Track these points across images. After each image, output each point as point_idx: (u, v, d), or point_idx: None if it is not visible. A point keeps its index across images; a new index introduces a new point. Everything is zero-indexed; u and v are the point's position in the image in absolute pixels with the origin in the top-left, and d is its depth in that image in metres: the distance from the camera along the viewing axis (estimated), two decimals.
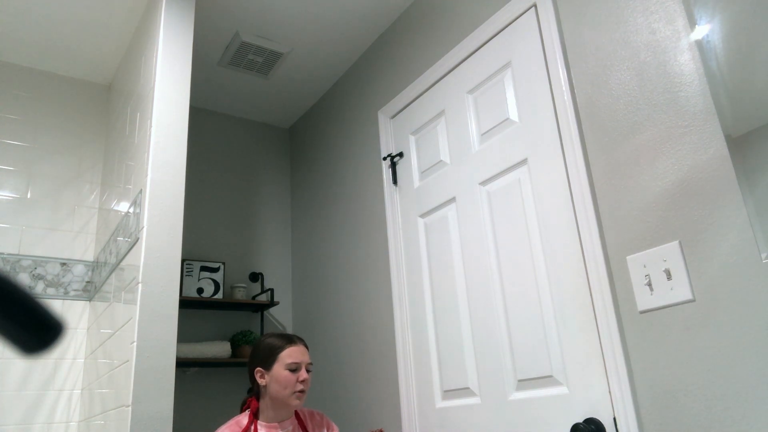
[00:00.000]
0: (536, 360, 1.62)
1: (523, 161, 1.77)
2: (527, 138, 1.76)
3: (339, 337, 2.61)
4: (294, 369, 1.70)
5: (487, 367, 1.78)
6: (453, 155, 2.06)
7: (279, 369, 1.70)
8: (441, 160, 2.11)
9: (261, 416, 1.72)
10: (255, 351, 1.80)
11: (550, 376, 1.58)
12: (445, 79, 2.16)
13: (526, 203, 1.74)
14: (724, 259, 1.24)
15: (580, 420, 1.46)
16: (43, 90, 2.72)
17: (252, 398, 1.76)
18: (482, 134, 1.95)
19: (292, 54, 2.75)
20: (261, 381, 1.72)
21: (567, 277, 1.57)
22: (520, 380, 1.67)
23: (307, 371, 1.73)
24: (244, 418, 1.70)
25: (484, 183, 1.91)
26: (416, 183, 2.23)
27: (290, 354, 1.71)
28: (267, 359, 1.73)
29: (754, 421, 1.14)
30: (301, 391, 1.69)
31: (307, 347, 1.79)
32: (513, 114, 1.83)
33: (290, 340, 1.76)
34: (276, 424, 1.71)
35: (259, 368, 1.73)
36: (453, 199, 2.03)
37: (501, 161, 1.85)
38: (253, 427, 1.69)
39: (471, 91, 2.02)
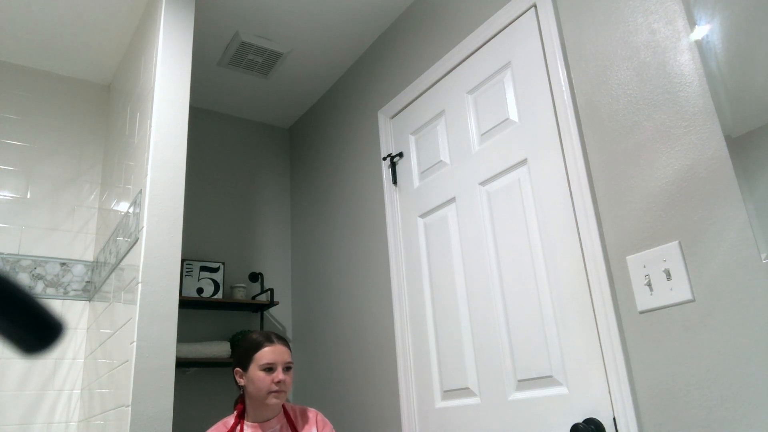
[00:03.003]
0: (536, 360, 1.62)
1: (523, 161, 1.77)
2: (527, 138, 1.76)
3: (339, 337, 2.60)
4: (268, 369, 1.67)
5: (486, 367, 1.78)
6: (453, 155, 2.06)
7: (254, 370, 1.68)
8: (441, 160, 2.11)
9: (247, 417, 1.71)
10: (235, 351, 1.79)
11: (550, 376, 1.58)
12: (445, 79, 2.16)
13: (525, 203, 1.74)
14: (723, 259, 1.24)
15: (580, 420, 1.46)
16: (43, 90, 2.72)
17: (241, 398, 1.76)
18: (482, 134, 1.95)
19: (292, 54, 2.75)
20: (240, 381, 1.72)
21: (567, 277, 1.57)
22: (520, 380, 1.67)
23: (287, 370, 1.70)
24: (231, 419, 1.70)
25: (484, 183, 1.91)
26: (416, 183, 2.23)
27: (265, 354, 1.69)
28: (244, 360, 1.71)
29: (754, 421, 1.14)
30: (278, 391, 1.66)
31: (287, 346, 1.76)
32: (513, 114, 1.83)
33: (268, 339, 1.73)
34: (260, 423, 1.69)
35: (237, 369, 1.73)
36: (453, 200, 2.03)
37: (501, 161, 1.85)
38: (239, 428, 1.68)
39: (471, 91, 2.02)
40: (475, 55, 2.02)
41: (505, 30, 1.90)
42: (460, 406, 1.85)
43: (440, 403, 1.94)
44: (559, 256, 1.60)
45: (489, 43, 1.96)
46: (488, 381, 1.76)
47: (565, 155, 1.62)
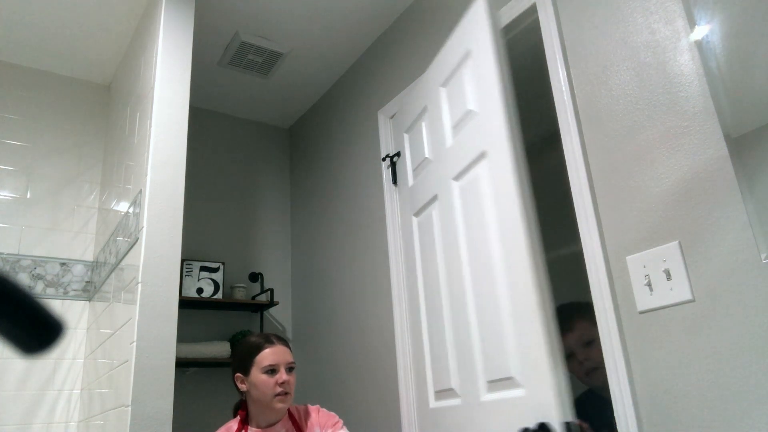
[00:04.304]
0: (501, 362, 1.50)
1: (483, 155, 1.64)
2: (485, 130, 1.62)
3: (339, 337, 2.60)
4: (271, 371, 1.62)
5: (465, 368, 1.67)
6: (434, 151, 1.95)
7: (256, 373, 1.62)
8: (426, 158, 2.01)
9: (251, 422, 1.65)
10: (234, 356, 1.72)
11: (512, 378, 1.46)
12: (426, 74, 2.02)
13: (485, 200, 1.62)
14: (723, 259, 1.23)
15: (534, 424, 1.31)
16: (43, 90, 2.72)
17: (243, 404, 1.69)
18: (453, 128, 1.82)
19: (292, 54, 2.75)
20: (242, 387, 1.66)
21: (522, 278, 1.44)
22: (489, 381, 1.55)
23: (290, 370, 1.65)
24: (234, 424, 1.65)
25: (456, 178, 1.78)
26: (410, 182, 2.15)
27: (266, 356, 1.63)
28: (244, 364, 1.65)
29: (753, 422, 1.14)
30: (283, 394, 1.61)
31: (288, 346, 1.71)
32: (473, 105, 1.70)
33: (267, 340, 1.67)
34: (264, 429, 1.64)
35: (238, 374, 1.66)
36: (435, 197, 1.92)
37: (466, 156, 1.71)
38: None
39: (444, 84, 1.90)
40: (444, 48, 1.89)
41: (463, 21, 1.76)
42: (447, 407, 1.75)
43: (433, 404, 1.85)
44: (513, 255, 1.48)
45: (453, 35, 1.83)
46: (467, 382, 1.65)
47: (565, 155, 1.62)
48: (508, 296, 1.50)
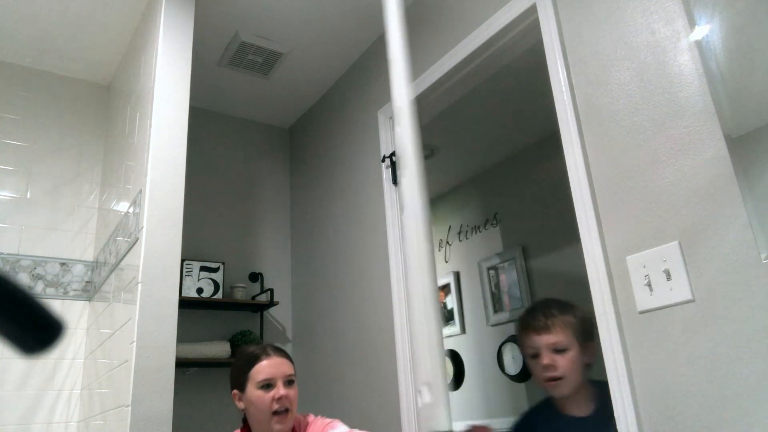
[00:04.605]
0: (423, 365, 1.47)
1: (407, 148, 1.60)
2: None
3: (339, 337, 2.60)
4: (267, 386, 1.48)
5: (416, 371, 1.63)
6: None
7: (252, 389, 1.49)
8: (400, 155, 2.00)
9: None
10: (231, 371, 1.60)
11: (430, 382, 1.43)
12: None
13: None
14: (723, 259, 1.23)
15: None
16: (43, 90, 2.72)
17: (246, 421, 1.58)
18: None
19: (292, 54, 2.75)
20: (239, 405, 1.54)
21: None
22: (423, 384, 1.53)
23: (289, 384, 1.52)
24: None
25: (403, 175, 1.76)
26: (400, 180, 2.16)
27: (261, 369, 1.50)
28: (240, 379, 1.53)
29: (754, 422, 1.14)
30: (284, 411, 1.47)
31: (287, 357, 1.58)
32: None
33: (263, 352, 1.55)
34: None
35: (235, 391, 1.55)
36: (404, 195, 1.92)
37: (405, 150, 1.68)
38: None
39: None
40: None
41: None
42: (422, 408, 1.73)
43: (421, 404, 1.83)
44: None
45: None
46: (418, 384, 1.63)
47: (566, 155, 1.62)
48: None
